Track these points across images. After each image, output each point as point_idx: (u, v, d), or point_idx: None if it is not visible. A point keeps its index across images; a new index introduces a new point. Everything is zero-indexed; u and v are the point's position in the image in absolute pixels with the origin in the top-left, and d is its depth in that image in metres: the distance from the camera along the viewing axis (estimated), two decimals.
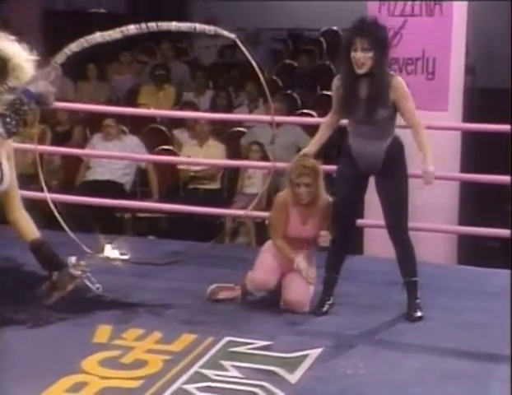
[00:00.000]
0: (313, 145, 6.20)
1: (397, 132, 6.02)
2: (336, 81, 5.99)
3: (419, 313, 6.03)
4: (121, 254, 5.37)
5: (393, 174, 5.89)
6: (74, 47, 5.26)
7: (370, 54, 5.66)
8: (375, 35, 5.70)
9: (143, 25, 5.98)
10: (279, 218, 6.27)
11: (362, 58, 5.65)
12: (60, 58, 4.28)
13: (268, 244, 6.36)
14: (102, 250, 4.86)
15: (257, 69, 6.51)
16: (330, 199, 6.19)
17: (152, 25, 6.16)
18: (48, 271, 4.69)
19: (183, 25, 6.45)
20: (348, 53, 5.71)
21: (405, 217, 6.00)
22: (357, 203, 6.13)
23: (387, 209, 6.00)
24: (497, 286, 6.74)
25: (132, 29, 5.93)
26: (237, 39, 6.38)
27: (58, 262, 4.60)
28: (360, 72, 5.70)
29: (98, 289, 5.49)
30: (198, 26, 6.38)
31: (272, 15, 14.78)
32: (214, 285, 6.25)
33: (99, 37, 5.70)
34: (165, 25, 6.38)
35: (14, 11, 12.89)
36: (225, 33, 6.41)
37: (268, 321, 6.07)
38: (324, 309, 6.12)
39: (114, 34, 5.80)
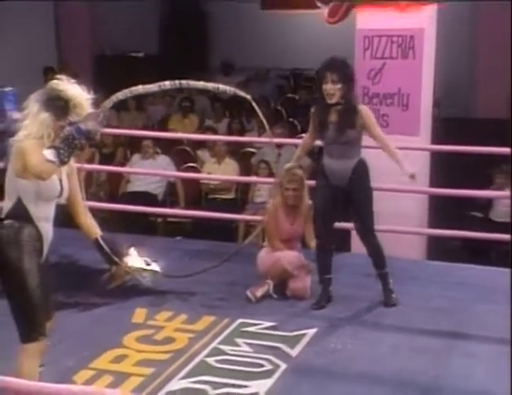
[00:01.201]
0: (294, 160, 6.24)
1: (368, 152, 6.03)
2: (313, 109, 5.97)
3: (393, 297, 6.00)
4: (147, 264, 5.30)
5: (359, 187, 5.81)
6: (120, 95, 5.29)
7: (339, 86, 5.61)
8: (342, 71, 5.66)
9: (176, 82, 5.97)
10: (272, 223, 6.30)
11: (332, 89, 5.62)
12: (108, 103, 4.30)
13: (264, 252, 6.38)
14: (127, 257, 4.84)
15: (261, 115, 6.44)
16: (310, 203, 6.22)
17: (183, 82, 6.12)
18: (108, 264, 4.72)
19: (210, 85, 6.42)
20: (321, 86, 5.68)
21: (371, 221, 5.91)
22: (332, 210, 5.92)
23: (356, 216, 5.96)
24: (459, 277, 6.73)
25: (167, 84, 5.92)
26: (252, 100, 6.32)
27: (117, 258, 4.63)
28: (331, 102, 5.66)
29: (148, 282, 5.51)
30: (221, 87, 6.36)
31: (277, 57, 14.78)
32: (250, 288, 6.17)
33: (140, 89, 5.71)
34: (194, 83, 6.39)
35: (70, 55, 12.91)
36: (242, 93, 6.34)
37: (274, 306, 6.08)
38: (322, 304, 6.03)
39: (153, 87, 5.80)
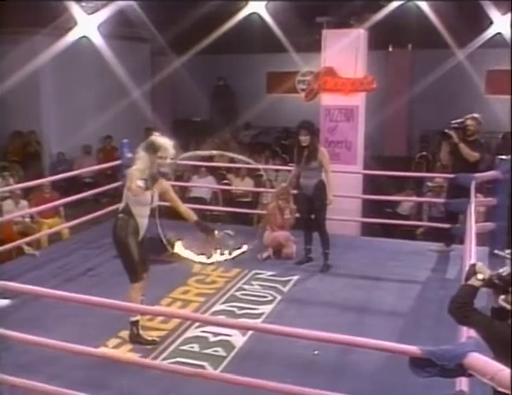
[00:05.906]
0: (287, 182, 6.19)
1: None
2: (295, 151, 5.87)
3: (326, 268, 5.76)
4: (199, 255, 5.02)
5: (318, 197, 5.67)
6: (185, 155, 5.32)
7: (308, 137, 5.58)
8: (309, 128, 5.63)
9: (219, 152, 6.05)
10: (271, 216, 6.26)
11: (303, 139, 5.59)
12: (179, 159, 4.18)
13: (268, 233, 6.26)
14: (173, 246, 4.65)
15: (259, 166, 6.75)
16: (294, 206, 6.16)
17: (219, 152, 6.46)
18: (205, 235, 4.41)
19: (235, 157, 6.42)
20: (298, 136, 5.67)
21: (324, 217, 5.76)
22: (308, 208, 5.81)
23: (315, 213, 5.78)
24: (378, 246, 6.63)
25: (214, 152, 6.00)
26: (252, 162, 6.47)
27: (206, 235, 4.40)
28: (304, 144, 5.62)
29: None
30: (240, 157, 6.18)
31: (276, 120, 14.68)
32: (259, 253, 6.06)
33: (199, 152, 5.86)
34: (227, 154, 6.61)
35: (158, 118, 12.67)
36: (251, 161, 6.44)
37: (273, 263, 6.03)
38: (302, 262, 5.94)
39: (204, 153, 5.85)
